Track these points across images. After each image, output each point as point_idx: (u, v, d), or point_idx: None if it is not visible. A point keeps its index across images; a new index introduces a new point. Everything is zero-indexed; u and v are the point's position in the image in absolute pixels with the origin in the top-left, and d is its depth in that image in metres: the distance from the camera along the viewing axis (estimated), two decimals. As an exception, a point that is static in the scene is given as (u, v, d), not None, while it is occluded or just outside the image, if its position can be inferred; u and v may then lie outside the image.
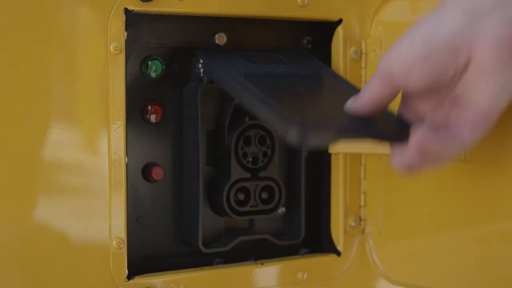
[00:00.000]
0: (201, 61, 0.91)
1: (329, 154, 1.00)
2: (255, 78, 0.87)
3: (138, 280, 0.88)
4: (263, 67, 0.92)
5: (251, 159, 0.95)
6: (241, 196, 0.96)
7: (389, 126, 0.78)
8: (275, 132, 0.89)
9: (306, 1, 0.96)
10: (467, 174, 0.88)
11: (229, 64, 0.90)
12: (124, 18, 0.85)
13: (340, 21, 0.99)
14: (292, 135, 0.73)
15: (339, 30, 0.99)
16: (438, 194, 0.92)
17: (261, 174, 0.96)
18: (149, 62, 0.91)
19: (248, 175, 0.95)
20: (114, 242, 0.86)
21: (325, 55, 1.00)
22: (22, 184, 0.82)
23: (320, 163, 1.02)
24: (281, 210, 1.00)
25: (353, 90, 0.87)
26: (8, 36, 0.80)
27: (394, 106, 0.79)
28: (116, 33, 0.85)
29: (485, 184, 0.87)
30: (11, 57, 0.80)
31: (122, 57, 0.85)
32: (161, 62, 0.92)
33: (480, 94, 0.71)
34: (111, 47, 0.84)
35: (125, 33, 0.86)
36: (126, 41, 0.86)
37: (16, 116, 0.81)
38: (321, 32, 1.01)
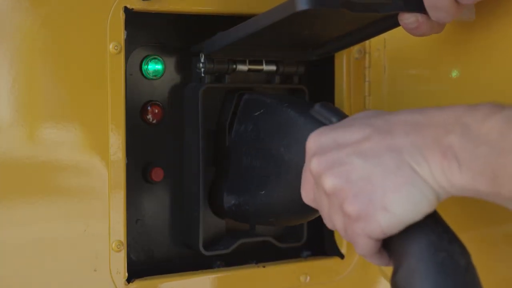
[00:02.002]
0: (202, 55, 0.91)
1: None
2: None
3: (138, 283, 0.87)
4: None
5: (252, 160, 0.95)
6: (242, 197, 0.95)
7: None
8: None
9: (308, 0, 0.95)
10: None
11: None
12: (124, 17, 0.84)
13: (343, 20, 0.98)
14: (299, 1, 0.73)
15: (342, 29, 0.98)
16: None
17: (262, 175, 0.96)
18: (149, 62, 0.91)
19: (249, 176, 0.94)
20: (113, 245, 0.85)
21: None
22: (20, 185, 0.81)
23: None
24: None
25: None
26: (7, 36, 0.80)
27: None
28: (116, 32, 0.84)
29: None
30: (11, 56, 0.80)
31: (121, 57, 0.84)
32: (161, 62, 0.91)
33: None
34: (111, 46, 0.84)
35: (125, 32, 0.85)
36: (126, 40, 0.85)
37: (14, 116, 0.80)
38: (324, 31, 1.00)
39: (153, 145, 0.93)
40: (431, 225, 0.72)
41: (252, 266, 0.95)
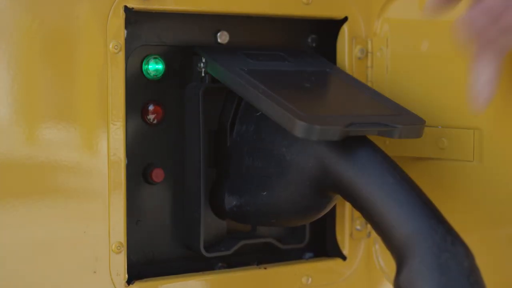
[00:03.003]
0: (203, 60, 0.90)
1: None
2: (259, 75, 0.87)
3: (138, 284, 0.86)
4: (267, 64, 0.92)
5: (253, 160, 0.94)
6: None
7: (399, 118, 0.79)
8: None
9: (310, -1, 0.95)
10: (476, 175, 0.87)
11: (232, 61, 0.90)
12: (124, 16, 0.84)
13: (345, 19, 0.97)
14: (298, 130, 0.74)
15: (345, 28, 0.98)
16: (446, 195, 0.91)
17: (264, 176, 0.95)
18: (150, 61, 0.90)
19: (250, 176, 0.94)
20: (113, 246, 0.84)
21: (330, 54, 0.99)
22: (19, 186, 0.81)
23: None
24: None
25: (360, 85, 0.86)
26: (6, 35, 0.79)
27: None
28: (116, 31, 0.84)
29: (494, 185, 0.86)
30: (10, 56, 0.79)
31: (121, 56, 0.84)
32: (161, 61, 0.91)
33: None
34: (111, 45, 0.83)
35: (125, 31, 0.85)
36: (126, 40, 0.85)
37: (13, 116, 0.80)
38: (326, 31, 1.00)
39: (153, 146, 0.92)
40: (434, 225, 0.71)
41: (253, 267, 0.95)
